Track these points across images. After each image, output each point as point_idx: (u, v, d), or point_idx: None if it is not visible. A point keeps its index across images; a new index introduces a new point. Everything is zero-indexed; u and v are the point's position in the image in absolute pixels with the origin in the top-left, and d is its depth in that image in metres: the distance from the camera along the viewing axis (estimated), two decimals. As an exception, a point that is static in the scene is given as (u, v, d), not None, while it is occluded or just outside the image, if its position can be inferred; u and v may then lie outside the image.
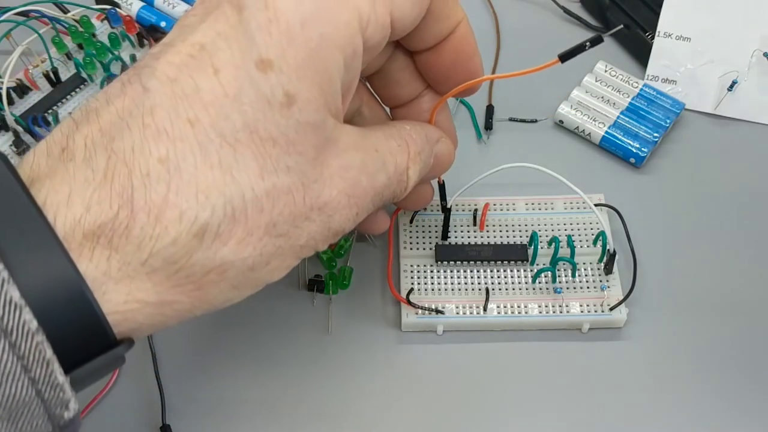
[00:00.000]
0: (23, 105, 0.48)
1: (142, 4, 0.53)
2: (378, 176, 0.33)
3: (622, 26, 0.36)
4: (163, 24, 0.52)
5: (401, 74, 0.38)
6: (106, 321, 0.27)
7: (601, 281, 0.42)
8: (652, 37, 0.51)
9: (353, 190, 0.32)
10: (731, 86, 0.49)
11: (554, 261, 0.42)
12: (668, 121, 0.48)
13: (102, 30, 0.51)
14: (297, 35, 0.29)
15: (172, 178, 0.27)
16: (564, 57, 0.33)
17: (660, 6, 0.51)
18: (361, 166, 0.32)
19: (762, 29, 0.50)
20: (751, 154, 0.48)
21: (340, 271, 0.42)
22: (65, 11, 0.51)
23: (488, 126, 0.49)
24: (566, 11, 0.55)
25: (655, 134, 0.47)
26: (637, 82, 0.50)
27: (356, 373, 0.40)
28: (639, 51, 0.52)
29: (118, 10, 0.51)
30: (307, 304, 0.42)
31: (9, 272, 0.25)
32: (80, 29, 0.50)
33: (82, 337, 0.27)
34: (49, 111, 0.47)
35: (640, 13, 0.53)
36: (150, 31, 0.52)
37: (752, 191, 0.47)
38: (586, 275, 0.42)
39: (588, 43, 0.33)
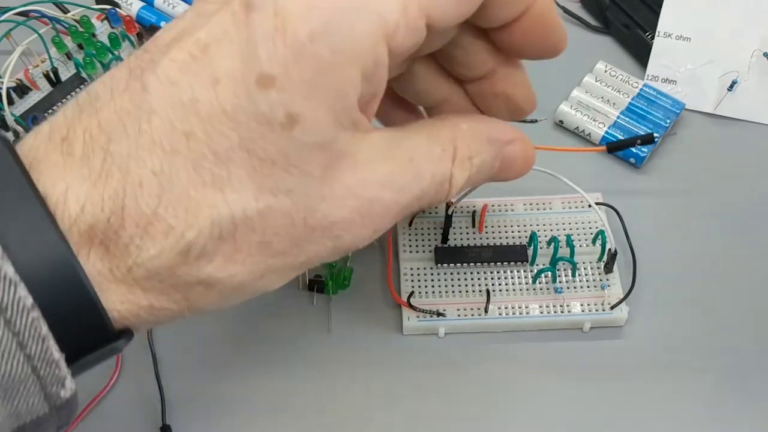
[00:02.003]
0: (23, 105, 0.48)
1: (142, 4, 0.53)
2: (408, 189, 0.30)
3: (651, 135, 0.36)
4: (163, 24, 0.52)
5: (465, 53, 0.34)
6: (102, 308, 0.27)
7: (601, 280, 0.42)
8: (652, 37, 0.51)
9: (369, 209, 0.30)
10: (731, 86, 0.49)
11: (554, 261, 0.42)
12: (668, 121, 0.48)
13: (102, 30, 0.51)
14: (304, 50, 0.26)
15: (164, 192, 0.26)
16: (612, 149, 0.33)
17: (660, 6, 0.52)
18: (385, 180, 0.30)
19: (762, 29, 0.50)
20: (751, 154, 0.48)
21: (340, 272, 0.42)
22: (65, 11, 0.51)
23: (488, 126, 0.49)
24: (566, 11, 0.55)
25: (655, 134, 0.47)
26: (637, 82, 0.50)
27: (357, 373, 0.40)
28: (639, 51, 0.52)
29: (118, 10, 0.51)
30: (308, 304, 0.42)
31: (4, 249, 0.24)
32: (80, 29, 0.50)
33: (79, 321, 0.26)
34: (49, 111, 0.47)
35: (640, 13, 0.53)
36: (150, 31, 0.52)
37: (752, 191, 0.47)
38: (586, 274, 0.42)
39: (639, 141, 0.33)
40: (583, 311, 0.41)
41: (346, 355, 0.41)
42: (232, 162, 0.27)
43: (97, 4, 0.52)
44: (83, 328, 0.27)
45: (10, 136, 0.46)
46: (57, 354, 0.25)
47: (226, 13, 0.27)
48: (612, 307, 0.41)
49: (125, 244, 0.27)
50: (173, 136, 0.26)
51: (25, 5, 0.50)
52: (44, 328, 0.25)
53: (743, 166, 0.48)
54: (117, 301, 0.27)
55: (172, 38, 0.28)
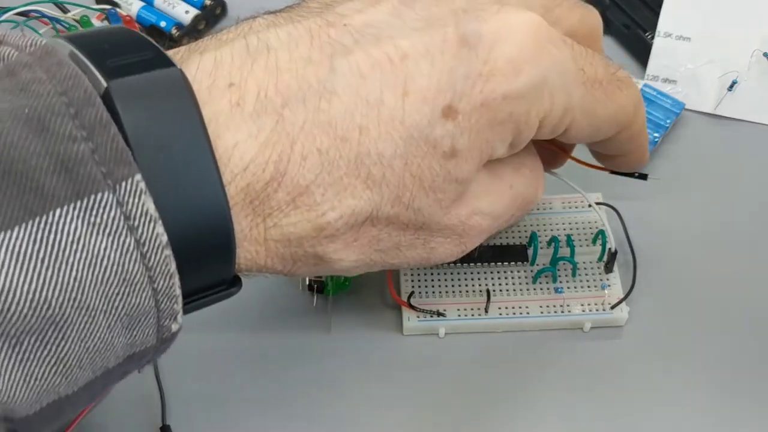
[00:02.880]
0: (23, 105, 0.48)
1: (142, 4, 0.53)
2: (503, 216, 0.34)
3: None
4: (163, 24, 0.52)
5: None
6: (235, 259, 0.28)
7: (601, 280, 0.42)
8: (652, 37, 0.51)
9: (468, 233, 0.33)
10: (731, 86, 0.49)
11: (554, 261, 0.42)
12: (668, 121, 0.48)
13: (102, 30, 0.51)
14: (493, 104, 0.30)
15: (322, 172, 0.28)
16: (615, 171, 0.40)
17: (660, 6, 0.51)
18: (487, 209, 0.33)
19: (762, 29, 0.50)
20: (751, 154, 0.48)
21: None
22: (65, 11, 0.51)
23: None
24: (566, 11, 0.55)
25: (655, 134, 0.47)
26: (637, 82, 0.50)
27: (358, 373, 0.40)
28: (639, 51, 0.52)
29: (118, 10, 0.51)
30: (308, 305, 0.42)
31: (153, 186, 0.24)
32: (80, 29, 0.50)
33: (210, 266, 0.28)
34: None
35: (640, 13, 0.53)
36: (150, 31, 0.52)
37: (752, 191, 0.47)
38: (586, 274, 0.42)
39: (636, 174, 0.40)
40: (583, 311, 0.41)
41: (347, 355, 0.41)
42: (389, 168, 0.29)
43: (97, 4, 0.53)
44: (211, 273, 0.28)
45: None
46: (179, 290, 0.26)
47: (437, 34, 0.30)
48: (612, 307, 0.41)
49: (272, 208, 0.28)
50: (349, 124, 0.28)
51: (25, 5, 0.50)
52: (173, 266, 0.25)
53: (743, 166, 0.48)
54: (243, 255, 0.29)
55: (364, 25, 0.30)
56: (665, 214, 0.45)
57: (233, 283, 0.29)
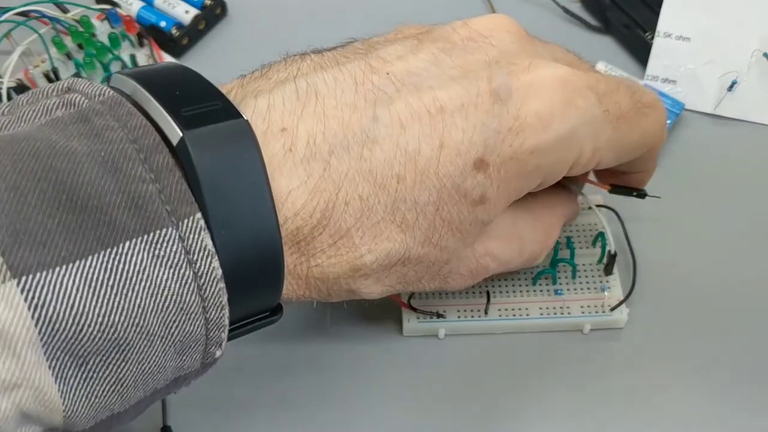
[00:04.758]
0: (23, 105, 0.48)
1: (142, 4, 0.53)
2: (510, 262, 0.37)
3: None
4: (162, 24, 0.52)
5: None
6: (281, 295, 0.30)
7: (601, 282, 0.42)
8: (652, 37, 0.51)
9: (479, 271, 0.35)
10: (731, 86, 0.49)
11: (554, 262, 0.42)
12: (668, 122, 0.48)
13: (102, 30, 0.51)
14: (522, 157, 0.32)
15: (362, 217, 0.30)
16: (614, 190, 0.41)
17: (660, 6, 0.51)
18: (499, 253, 0.36)
19: (762, 29, 0.50)
20: (751, 154, 0.48)
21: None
22: (65, 11, 0.51)
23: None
24: (566, 11, 0.55)
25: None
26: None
27: (357, 374, 0.40)
28: (639, 51, 0.52)
29: (118, 10, 0.51)
30: (308, 305, 0.42)
31: (214, 226, 0.26)
32: (80, 29, 0.50)
33: (258, 299, 0.30)
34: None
35: (640, 13, 0.53)
36: (150, 31, 0.52)
37: (752, 191, 0.47)
38: (585, 276, 0.42)
39: (634, 193, 0.41)
40: (583, 313, 0.41)
41: (347, 356, 0.41)
42: (422, 213, 0.31)
43: (97, 4, 0.52)
44: (258, 304, 0.30)
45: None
46: (227, 321, 0.28)
47: (472, 88, 0.32)
48: (612, 309, 0.41)
49: (315, 249, 0.30)
50: (387, 173, 0.30)
51: (25, 5, 0.50)
52: (225, 298, 0.27)
53: (743, 166, 0.48)
54: (285, 288, 0.30)
55: (405, 73, 0.32)
56: (665, 215, 0.45)
57: (275, 311, 0.31)
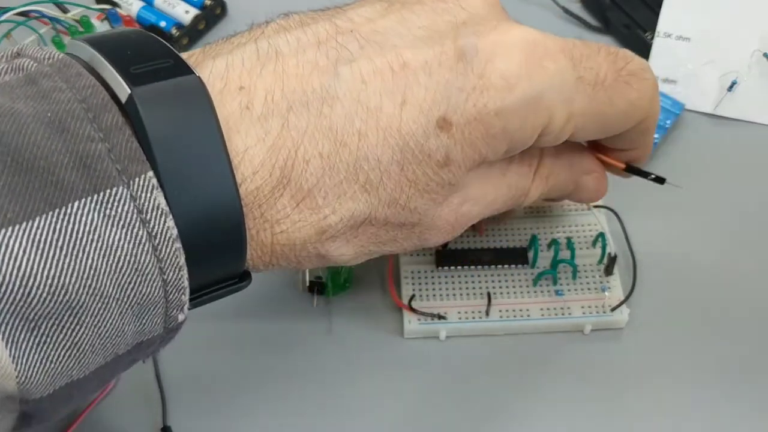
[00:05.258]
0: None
1: (142, 4, 0.53)
2: (493, 203, 0.35)
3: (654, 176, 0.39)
4: (162, 24, 0.52)
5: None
6: (245, 257, 0.29)
7: (601, 282, 0.42)
8: (652, 37, 0.51)
9: (459, 220, 0.34)
10: (731, 86, 0.49)
11: (554, 263, 0.42)
12: (668, 122, 0.48)
13: (102, 30, 0.51)
14: (486, 118, 0.31)
15: (323, 176, 0.29)
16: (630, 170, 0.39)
17: (660, 6, 0.51)
18: (479, 197, 0.34)
19: (762, 29, 0.50)
20: (751, 154, 0.48)
21: (339, 272, 0.42)
22: (65, 11, 0.51)
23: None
24: (566, 11, 0.55)
25: (655, 135, 0.47)
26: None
27: (359, 376, 0.40)
28: (639, 51, 0.51)
29: (118, 10, 0.51)
30: (308, 306, 0.42)
31: (167, 185, 0.26)
32: (80, 29, 0.50)
33: (220, 262, 0.29)
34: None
35: (640, 13, 0.53)
36: (150, 31, 0.51)
37: (752, 191, 0.47)
38: (586, 277, 0.42)
39: (652, 176, 0.40)
40: (584, 314, 0.41)
41: (348, 358, 0.41)
42: (386, 173, 0.30)
43: (97, 4, 0.52)
44: (222, 268, 0.29)
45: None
46: (186, 283, 0.27)
47: (436, 47, 0.31)
48: (612, 310, 0.41)
49: (278, 212, 0.29)
50: (348, 129, 0.30)
51: (25, 5, 0.50)
52: (182, 259, 0.26)
53: (743, 166, 0.48)
54: (250, 255, 0.30)
55: (371, 32, 0.31)
56: (665, 215, 0.45)
57: (243, 277, 0.30)
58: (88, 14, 0.51)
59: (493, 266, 0.42)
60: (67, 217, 0.24)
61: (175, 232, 0.26)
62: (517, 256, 0.42)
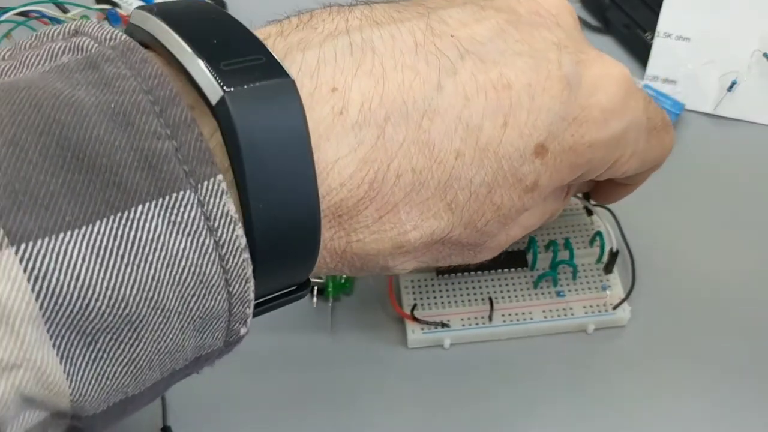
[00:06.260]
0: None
1: (142, 4, 0.53)
2: (533, 225, 0.34)
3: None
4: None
5: None
6: (313, 269, 0.28)
7: (601, 281, 0.42)
8: (652, 37, 0.51)
9: (506, 243, 0.33)
10: (731, 87, 0.49)
11: (554, 264, 0.42)
12: (668, 121, 0.48)
13: (108, 27, 0.51)
14: (579, 150, 0.31)
15: (412, 192, 0.28)
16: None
17: (660, 6, 0.51)
18: (526, 223, 0.34)
19: (762, 29, 0.50)
20: (750, 154, 0.49)
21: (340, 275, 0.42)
22: (65, 11, 0.51)
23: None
24: (566, 11, 0.55)
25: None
26: (636, 83, 0.50)
27: (363, 387, 0.40)
28: (639, 51, 0.52)
29: (118, 10, 0.51)
30: (309, 307, 0.42)
31: (245, 193, 0.24)
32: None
33: (289, 274, 0.27)
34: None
35: (640, 13, 0.53)
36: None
37: (751, 191, 0.47)
38: (586, 277, 0.42)
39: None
40: (586, 313, 0.41)
41: (349, 359, 0.41)
42: (474, 194, 0.29)
43: (97, 4, 0.52)
44: (287, 279, 0.28)
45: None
46: (252, 295, 0.25)
47: (540, 70, 0.30)
48: (614, 308, 0.41)
49: (359, 223, 0.28)
50: (446, 147, 0.28)
51: (25, 5, 0.50)
52: (249, 270, 0.25)
53: (743, 166, 0.48)
54: (318, 264, 0.28)
55: (470, 40, 0.30)
56: (664, 214, 0.45)
57: (303, 285, 0.29)
58: (88, 14, 0.51)
59: (492, 271, 0.42)
60: (129, 223, 0.22)
61: (243, 241, 0.24)
62: (516, 259, 0.42)
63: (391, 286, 0.41)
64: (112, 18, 0.50)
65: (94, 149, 0.22)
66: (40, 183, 0.22)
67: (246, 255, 0.24)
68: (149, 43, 0.26)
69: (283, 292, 0.28)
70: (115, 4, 0.53)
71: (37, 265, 0.21)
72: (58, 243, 0.21)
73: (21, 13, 0.49)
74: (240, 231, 0.24)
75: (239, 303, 0.25)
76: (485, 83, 0.29)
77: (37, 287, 0.21)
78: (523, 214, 0.32)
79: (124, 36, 0.25)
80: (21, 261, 0.21)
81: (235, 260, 0.24)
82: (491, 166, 0.29)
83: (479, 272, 0.42)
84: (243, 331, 0.27)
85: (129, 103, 0.23)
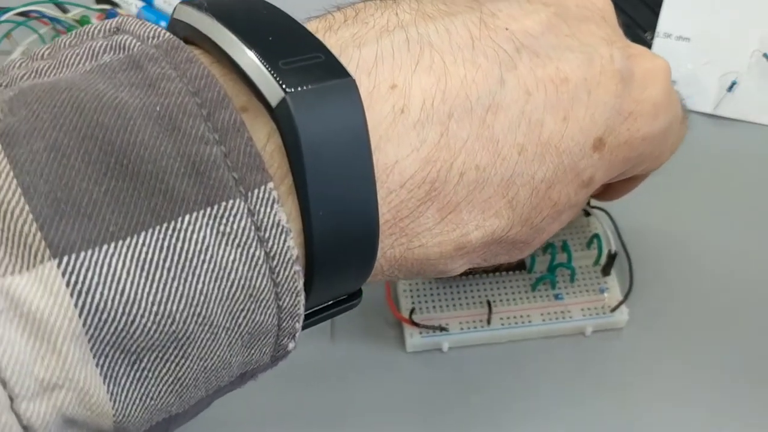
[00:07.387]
0: (24, 106, 0.47)
1: (142, 4, 0.53)
2: (564, 222, 0.33)
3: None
4: (163, 24, 0.52)
5: None
6: (366, 279, 0.27)
7: (599, 284, 0.42)
8: (652, 37, 0.51)
9: (546, 237, 0.32)
10: (731, 87, 0.49)
11: (552, 267, 0.42)
12: (667, 122, 0.48)
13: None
14: (634, 143, 0.31)
15: (476, 189, 0.27)
16: None
17: (660, 6, 0.51)
18: (565, 221, 0.33)
19: (762, 29, 0.50)
20: (750, 154, 0.48)
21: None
22: (65, 11, 0.51)
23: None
24: (566, 10, 0.54)
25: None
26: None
27: (362, 392, 0.40)
28: (639, 51, 0.52)
29: (118, 10, 0.51)
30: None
31: (305, 202, 0.23)
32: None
33: (341, 282, 0.26)
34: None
35: (640, 13, 0.53)
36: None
37: (751, 191, 0.47)
38: (583, 279, 0.42)
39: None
40: (584, 316, 0.41)
41: (349, 363, 0.41)
42: (535, 190, 0.28)
43: (97, 4, 0.52)
44: (340, 289, 0.27)
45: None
46: (302, 309, 0.24)
47: (595, 64, 0.30)
48: (612, 310, 0.41)
49: (420, 226, 0.27)
50: (510, 142, 0.27)
51: (25, 5, 0.50)
52: (300, 283, 0.24)
53: (743, 166, 0.48)
54: (374, 272, 0.27)
55: (523, 34, 0.29)
56: (662, 215, 0.45)
57: (354, 295, 0.28)
58: (88, 14, 0.50)
59: (490, 274, 0.42)
60: (176, 234, 0.21)
61: (294, 252, 0.23)
62: (514, 262, 0.42)
63: (389, 290, 0.41)
64: (112, 18, 0.50)
65: (138, 155, 0.21)
66: (83, 191, 0.21)
67: (297, 267, 0.23)
68: (194, 39, 0.25)
69: (333, 302, 0.27)
70: (115, 5, 0.52)
71: (81, 279, 0.20)
72: (102, 255, 0.20)
73: (21, 13, 0.49)
74: (291, 242, 0.23)
75: (288, 317, 0.24)
76: (543, 77, 0.28)
77: (80, 303, 0.20)
78: (573, 209, 0.32)
79: (168, 33, 0.24)
80: (63, 275, 0.20)
81: (286, 273, 0.23)
82: (552, 161, 0.28)
83: (477, 275, 0.42)
84: (291, 345, 0.25)
85: (175, 106, 0.22)
